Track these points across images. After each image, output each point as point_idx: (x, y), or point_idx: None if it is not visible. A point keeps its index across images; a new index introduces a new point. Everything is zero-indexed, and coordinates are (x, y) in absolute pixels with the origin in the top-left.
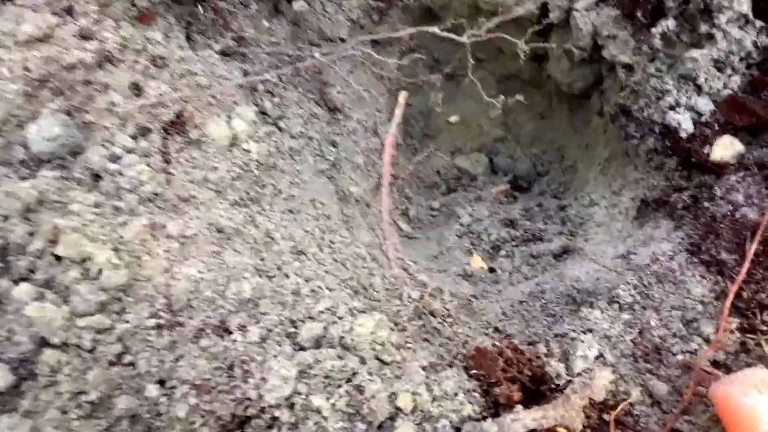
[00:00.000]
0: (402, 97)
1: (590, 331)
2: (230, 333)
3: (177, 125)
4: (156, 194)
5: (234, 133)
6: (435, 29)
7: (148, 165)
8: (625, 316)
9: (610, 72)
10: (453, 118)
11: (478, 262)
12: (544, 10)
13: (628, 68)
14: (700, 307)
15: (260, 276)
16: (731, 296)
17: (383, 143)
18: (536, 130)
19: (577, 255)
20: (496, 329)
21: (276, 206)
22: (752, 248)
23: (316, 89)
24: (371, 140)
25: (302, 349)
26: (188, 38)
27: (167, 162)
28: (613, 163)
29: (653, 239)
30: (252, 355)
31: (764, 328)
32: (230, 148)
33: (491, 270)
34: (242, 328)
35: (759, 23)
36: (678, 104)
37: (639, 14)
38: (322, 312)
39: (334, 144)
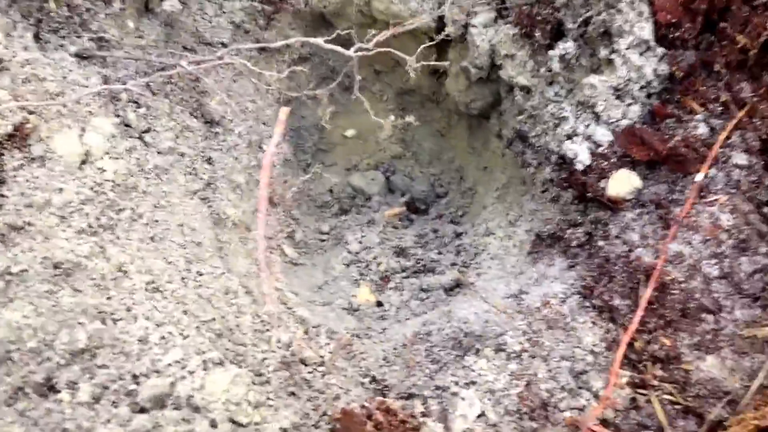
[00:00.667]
0: (283, 113)
1: (473, 383)
2: (56, 392)
3: (16, 139)
4: None
5: (87, 149)
6: (320, 41)
7: None
8: (512, 366)
9: (508, 93)
10: (349, 132)
11: (365, 295)
12: (442, 23)
13: (526, 91)
14: (590, 358)
15: (102, 320)
16: (623, 347)
17: None
18: (435, 148)
19: (469, 291)
20: (374, 379)
21: (134, 234)
22: (646, 294)
23: (192, 99)
24: (254, 156)
25: (142, 410)
26: (36, 37)
27: (0, 183)
28: (511, 190)
29: (546, 278)
30: (79, 419)
31: (656, 383)
32: (81, 167)
33: (378, 303)
34: (72, 385)
35: (660, 50)
36: (575, 133)
37: (537, 34)
38: (170, 365)
39: (209, 161)
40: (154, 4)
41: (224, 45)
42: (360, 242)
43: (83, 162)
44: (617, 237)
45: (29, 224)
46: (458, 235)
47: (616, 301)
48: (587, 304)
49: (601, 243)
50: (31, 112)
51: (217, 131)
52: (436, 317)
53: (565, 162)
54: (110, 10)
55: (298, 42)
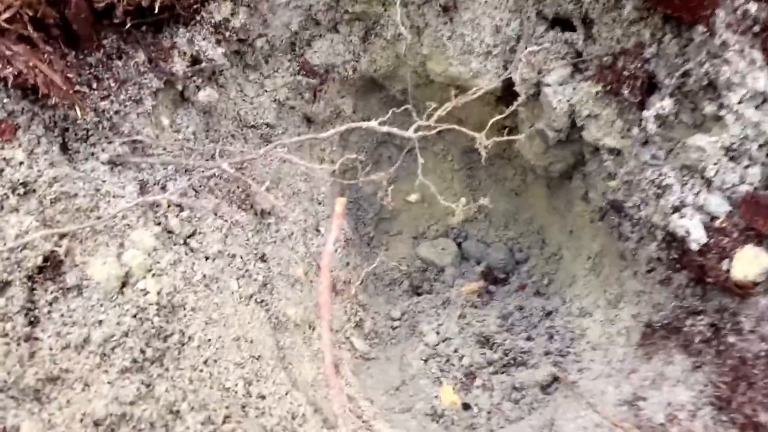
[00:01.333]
0: (339, 204)
1: None
2: None
3: (48, 269)
4: (8, 383)
5: (127, 270)
6: (374, 125)
7: (3, 337)
8: None
9: (593, 155)
10: (413, 197)
11: (448, 396)
12: (510, 82)
13: (616, 153)
14: None
15: None
16: None
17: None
18: (511, 209)
19: (570, 392)
20: None
21: (184, 361)
22: None
23: (239, 190)
24: (312, 242)
25: None
26: (64, 148)
27: (33, 323)
28: (606, 262)
29: (665, 379)
30: None
31: None
32: (122, 291)
33: (465, 406)
34: None
35: None
36: (684, 204)
37: (626, 91)
38: None
39: (263, 258)
40: (190, 93)
41: (269, 125)
42: (437, 332)
43: (123, 285)
44: (752, 331)
45: (66, 371)
46: (548, 314)
47: (763, 417)
48: (724, 418)
49: (732, 339)
50: (63, 235)
51: (269, 222)
52: (537, 427)
53: (674, 240)
54: (142, 109)
55: (348, 112)
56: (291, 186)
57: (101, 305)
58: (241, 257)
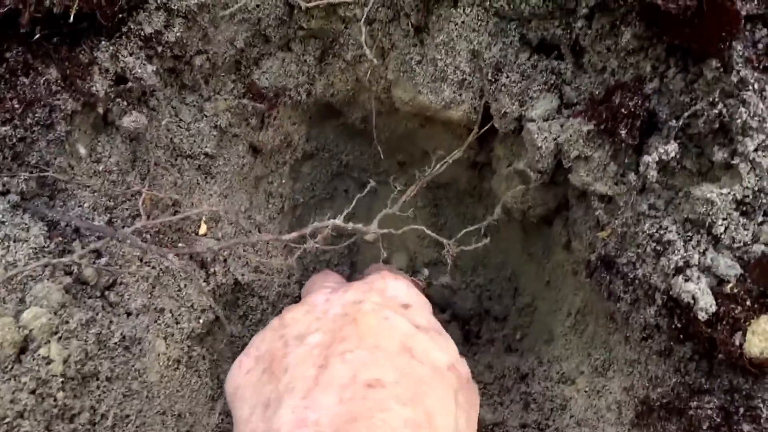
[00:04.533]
0: None
1: None
2: None
3: None
4: None
5: (26, 333)
6: (338, 222)
7: None
8: None
9: (579, 199)
10: (370, 236)
11: None
12: (487, 113)
13: (607, 200)
14: None
15: None
16: None
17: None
18: (480, 252)
19: None
20: None
21: None
22: None
23: (171, 231)
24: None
25: None
26: None
27: None
28: (591, 321)
29: None
30: None
31: None
32: (18, 360)
33: None
34: None
35: None
36: (689, 265)
37: (623, 131)
38: None
39: (198, 307)
40: (114, 116)
41: (209, 155)
42: None
43: (21, 352)
44: None
45: None
46: (523, 377)
47: None
48: None
49: (746, 427)
50: None
51: (209, 271)
52: None
53: (678, 306)
54: (53, 135)
55: (301, 145)
56: (233, 225)
57: None
58: (171, 312)
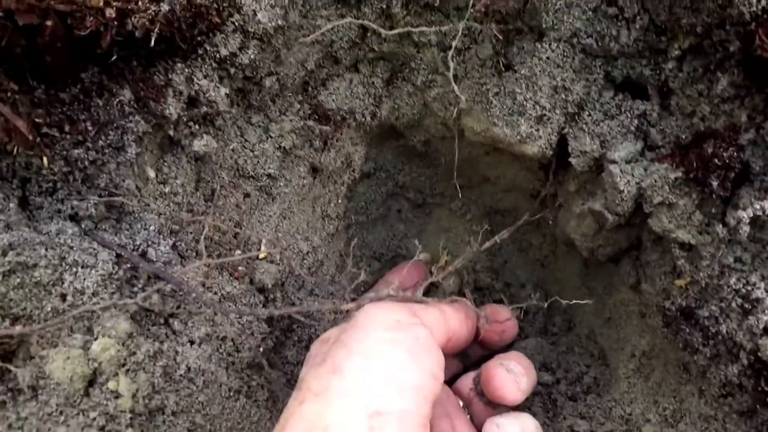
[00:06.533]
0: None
1: None
2: None
3: None
4: None
5: (95, 366)
6: (392, 292)
7: None
8: None
9: (656, 243)
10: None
11: None
12: (564, 147)
13: (687, 248)
14: None
15: None
16: None
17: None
18: (533, 282)
19: None
20: None
21: None
22: None
23: (232, 252)
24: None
25: None
26: (23, 204)
27: None
28: (657, 365)
29: None
30: None
31: None
32: (86, 393)
33: None
34: None
35: None
36: None
37: (714, 182)
38: None
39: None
40: (180, 136)
41: (271, 177)
42: None
43: (90, 385)
44: None
45: None
46: (583, 418)
47: None
48: None
49: None
50: (15, 319)
51: (273, 296)
52: None
53: (766, 368)
54: (123, 158)
55: (359, 165)
56: (291, 247)
57: (60, 413)
58: (233, 340)
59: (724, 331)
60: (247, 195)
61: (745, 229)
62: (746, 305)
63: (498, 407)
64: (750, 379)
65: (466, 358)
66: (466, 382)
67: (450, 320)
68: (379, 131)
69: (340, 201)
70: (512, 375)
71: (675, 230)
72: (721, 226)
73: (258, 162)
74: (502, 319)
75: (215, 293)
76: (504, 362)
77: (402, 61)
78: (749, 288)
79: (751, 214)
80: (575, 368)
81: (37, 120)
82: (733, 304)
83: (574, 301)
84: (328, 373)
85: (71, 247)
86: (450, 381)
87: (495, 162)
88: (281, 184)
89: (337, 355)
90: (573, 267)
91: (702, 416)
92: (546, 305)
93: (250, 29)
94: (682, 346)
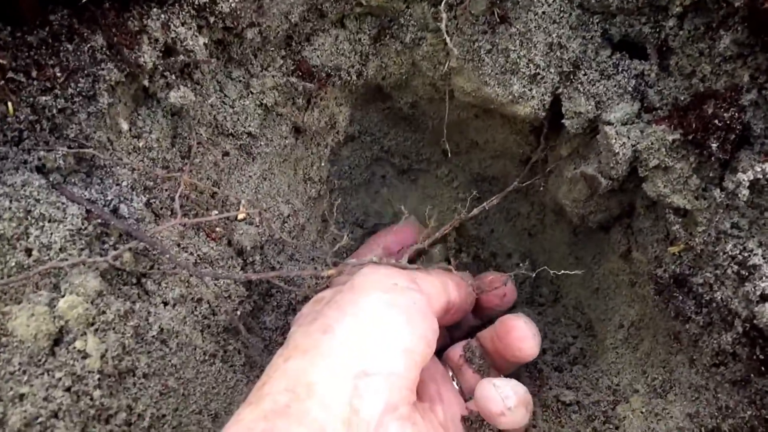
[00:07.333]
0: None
1: None
2: None
3: None
4: None
5: (61, 324)
6: (375, 259)
7: None
8: None
9: (649, 209)
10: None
11: None
12: (556, 109)
13: (682, 214)
14: None
15: None
16: None
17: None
18: (520, 252)
19: None
20: None
21: None
22: None
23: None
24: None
25: None
26: None
27: None
28: (647, 336)
29: None
30: None
31: None
32: (51, 352)
33: None
34: None
35: None
36: None
37: (714, 144)
38: None
39: (240, 298)
40: (156, 88)
41: (251, 135)
42: None
43: (56, 344)
44: None
45: None
46: (569, 388)
47: None
48: None
49: None
50: None
51: (248, 259)
52: None
53: (761, 336)
54: (94, 107)
55: (343, 127)
56: (271, 209)
57: (24, 372)
58: (209, 302)
59: (719, 298)
60: (226, 153)
61: (744, 193)
62: (743, 272)
63: (488, 374)
64: (744, 348)
65: (456, 330)
66: (456, 350)
67: (451, 292)
68: (365, 91)
69: (323, 164)
70: (531, 326)
71: (670, 195)
72: (718, 190)
73: (238, 119)
74: (500, 284)
75: (191, 254)
76: (521, 316)
77: (390, 17)
78: (746, 254)
79: (751, 177)
80: (561, 339)
81: (1, 62)
82: (729, 271)
83: (563, 272)
84: (317, 331)
85: (38, 200)
86: (437, 353)
87: (484, 126)
88: (262, 143)
89: (329, 314)
90: (561, 236)
91: (692, 386)
92: (533, 275)
93: None
94: (674, 314)
